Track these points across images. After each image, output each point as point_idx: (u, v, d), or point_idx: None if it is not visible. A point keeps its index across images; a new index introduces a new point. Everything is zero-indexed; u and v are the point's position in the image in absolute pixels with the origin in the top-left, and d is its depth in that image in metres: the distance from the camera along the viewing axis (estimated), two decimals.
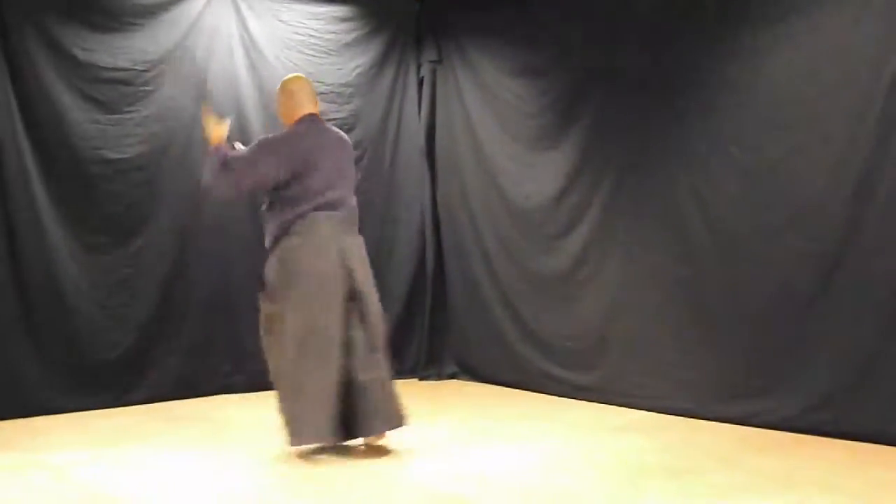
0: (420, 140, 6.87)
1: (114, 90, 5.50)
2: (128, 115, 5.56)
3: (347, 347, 4.23)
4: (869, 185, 4.52)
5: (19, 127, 5.21)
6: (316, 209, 4.26)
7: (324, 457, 4.29)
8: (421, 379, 6.68)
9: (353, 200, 4.51)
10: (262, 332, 4.44)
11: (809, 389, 4.70)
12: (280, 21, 6.24)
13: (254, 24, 6.12)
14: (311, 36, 6.37)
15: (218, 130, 4.31)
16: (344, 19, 6.53)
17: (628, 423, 5.11)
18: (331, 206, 4.32)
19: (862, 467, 4.09)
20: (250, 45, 6.10)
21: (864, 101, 4.52)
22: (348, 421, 4.24)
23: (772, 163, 4.89)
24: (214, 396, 5.78)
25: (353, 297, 4.32)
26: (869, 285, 4.51)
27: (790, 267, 4.79)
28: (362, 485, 3.81)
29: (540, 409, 5.52)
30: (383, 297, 6.63)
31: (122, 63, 5.52)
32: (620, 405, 5.50)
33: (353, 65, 6.55)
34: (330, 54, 6.43)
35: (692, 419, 5.10)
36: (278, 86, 4.55)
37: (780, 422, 4.79)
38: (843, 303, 4.60)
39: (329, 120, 6.40)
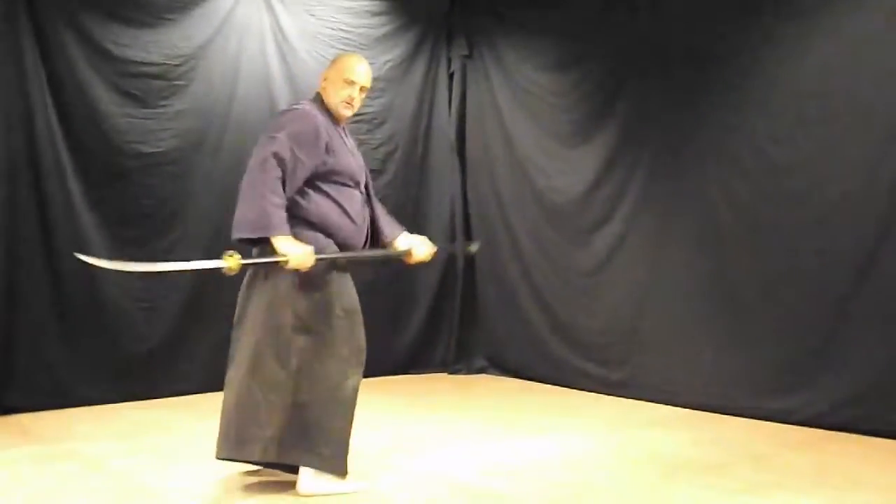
0: (451, 134, 6.87)
1: (147, 84, 5.54)
2: (161, 110, 5.59)
3: None
4: None
5: (54, 121, 5.26)
6: None
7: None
8: (451, 373, 6.70)
9: None
10: None
11: (840, 386, 4.67)
12: (311, 15, 6.26)
13: (285, 19, 6.13)
14: (343, 30, 6.38)
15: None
16: (375, 13, 6.54)
17: (659, 419, 5.10)
18: None
19: (893, 464, 4.06)
20: (282, 40, 6.12)
21: None
22: None
23: (805, 158, 4.86)
24: None
25: None
26: None
27: (822, 263, 4.75)
28: (391, 478, 3.82)
29: (570, 404, 5.51)
30: (414, 291, 6.70)
31: (154, 58, 5.56)
32: (651, 401, 5.48)
33: (385, 59, 6.55)
34: (361, 48, 6.43)
35: (722, 415, 5.08)
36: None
37: (811, 418, 4.76)
38: (874, 300, 4.56)
39: (360, 114, 6.42)
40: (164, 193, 5.60)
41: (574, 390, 5.91)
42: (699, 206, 5.35)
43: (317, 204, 3.63)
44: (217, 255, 5.68)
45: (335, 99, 3.74)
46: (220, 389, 5.59)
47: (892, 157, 4.51)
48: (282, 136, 3.56)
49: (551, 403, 5.56)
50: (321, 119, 3.68)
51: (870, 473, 3.90)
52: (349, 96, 3.73)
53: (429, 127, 6.83)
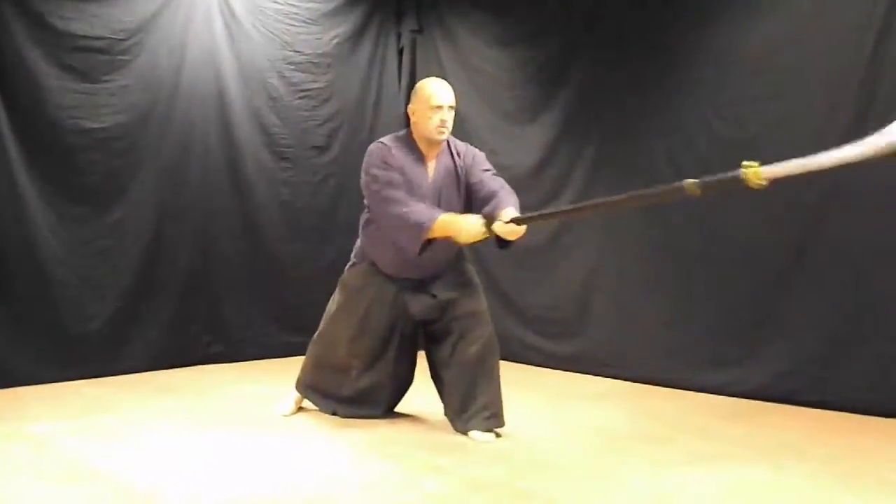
0: (400, 110, 6.84)
1: (91, 59, 5.43)
2: (105, 85, 5.50)
3: None
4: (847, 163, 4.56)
5: None
6: None
7: (303, 424, 4.35)
8: None
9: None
10: None
11: (781, 359, 4.78)
12: None
13: None
14: (290, 5, 6.32)
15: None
16: None
17: (604, 392, 5.19)
18: None
19: (831, 434, 4.20)
20: (228, 15, 6.04)
21: (845, 70, 4.56)
22: None
23: (751, 134, 4.94)
24: (194, 367, 5.79)
25: None
26: (842, 257, 4.57)
27: (766, 237, 4.85)
28: (339, 453, 3.85)
29: (518, 379, 5.54)
30: None
31: (99, 32, 5.45)
32: (598, 375, 5.57)
33: (332, 34, 6.51)
34: (308, 24, 6.39)
35: (668, 388, 5.17)
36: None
37: (752, 391, 4.87)
38: (815, 274, 4.67)
39: (306, 90, 6.40)
40: (109, 169, 5.51)
41: (523, 365, 5.97)
42: (648, 182, 5.36)
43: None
44: (164, 233, 5.72)
45: (428, 127, 4.07)
46: (167, 367, 5.66)
47: (834, 133, 4.59)
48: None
49: (501, 379, 5.60)
50: (400, 154, 4.12)
51: (810, 444, 4.02)
52: (441, 121, 4.05)
53: (377, 103, 6.81)
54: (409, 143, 4.18)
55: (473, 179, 4.15)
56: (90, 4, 5.43)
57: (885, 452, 3.90)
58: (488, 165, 4.25)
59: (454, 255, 4.27)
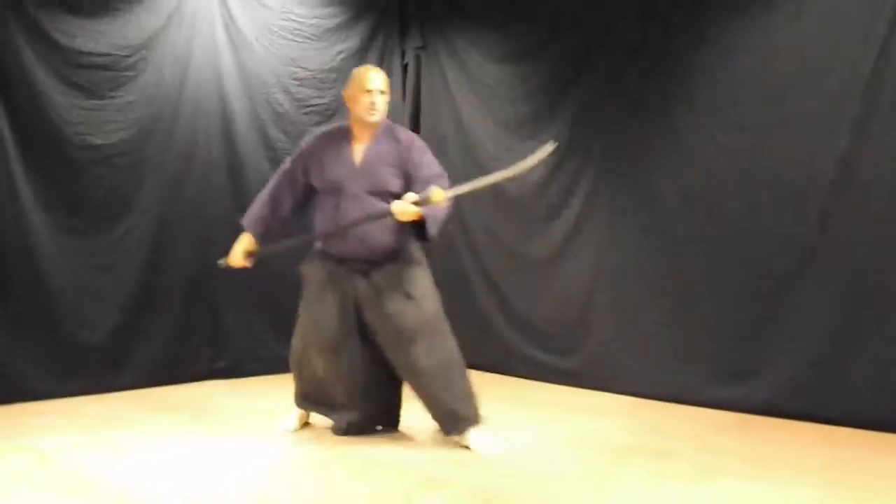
0: (405, 125, 6.86)
1: (95, 75, 5.45)
2: (110, 101, 5.52)
3: None
4: (849, 166, 4.58)
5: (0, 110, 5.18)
6: None
7: (306, 440, 4.34)
8: None
9: None
10: None
11: (783, 373, 4.78)
12: (263, 6, 6.21)
13: (237, 10, 6.08)
14: (294, 21, 6.34)
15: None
16: (327, 4, 6.51)
17: (607, 407, 5.18)
18: None
19: (829, 448, 4.21)
20: (233, 31, 6.07)
21: (848, 80, 4.58)
22: None
23: (751, 145, 4.96)
24: (196, 382, 5.78)
25: None
26: (843, 270, 4.57)
27: (768, 249, 4.85)
28: (340, 467, 3.84)
29: (520, 393, 5.56)
30: None
31: (102, 48, 5.48)
32: (600, 389, 5.55)
33: (337, 50, 6.54)
34: (313, 39, 6.42)
35: (670, 403, 5.16)
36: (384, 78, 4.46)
37: (754, 406, 4.86)
38: (817, 288, 4.66)
39: (311, 106, 6.43)
40: (112, 184, 5.52)
41: (525, 380, 5.96)
42: (651, 196, 5.43)
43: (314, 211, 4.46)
44: (166, 248, 5.73)
45: (360, 109, 4.33)
46: (170, 382, 5.65)
47: (835, 144, 4.62)
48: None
49: (502, 393, 5.58)
50: (324, 139, 4.47)
51: (807, 457, 4.03)
52: (370, 103, 4.31)
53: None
54: (345, 128, 4.47)
55: (410, 167, 4.34)
56: (94, 21, 5.45)
57: (885, 466, 3.89)
58: (423, 155, 4.39)
59: (399, 244, 4.34)
